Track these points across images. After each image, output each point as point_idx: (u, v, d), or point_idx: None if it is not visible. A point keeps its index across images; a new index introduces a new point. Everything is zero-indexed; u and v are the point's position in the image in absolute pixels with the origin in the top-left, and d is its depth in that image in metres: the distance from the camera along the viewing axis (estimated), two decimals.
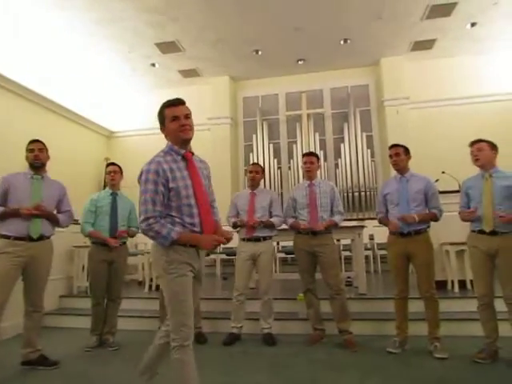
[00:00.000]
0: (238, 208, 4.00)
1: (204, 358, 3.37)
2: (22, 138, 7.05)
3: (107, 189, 4.00)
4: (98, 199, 3.89)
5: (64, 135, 8.29)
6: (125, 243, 3.98)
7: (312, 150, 8.53)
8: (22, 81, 7.06)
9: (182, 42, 7.57)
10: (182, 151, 2.09)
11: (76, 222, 4.17)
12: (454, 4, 6.60)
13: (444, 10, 6.79)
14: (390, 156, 3.49)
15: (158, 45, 7.61)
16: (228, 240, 2.06)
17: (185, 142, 2.09)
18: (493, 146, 3.14)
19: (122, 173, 4.05)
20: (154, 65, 8.40)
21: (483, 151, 3.11)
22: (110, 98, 9.62)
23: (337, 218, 3.71)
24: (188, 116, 2.08)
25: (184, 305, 1.97)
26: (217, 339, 3.81)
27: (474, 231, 3.17)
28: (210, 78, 9.11)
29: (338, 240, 6.11)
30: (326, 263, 3.60)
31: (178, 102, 2.09)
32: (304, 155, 3.91)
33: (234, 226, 3.95)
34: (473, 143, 3.19)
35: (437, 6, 6.66)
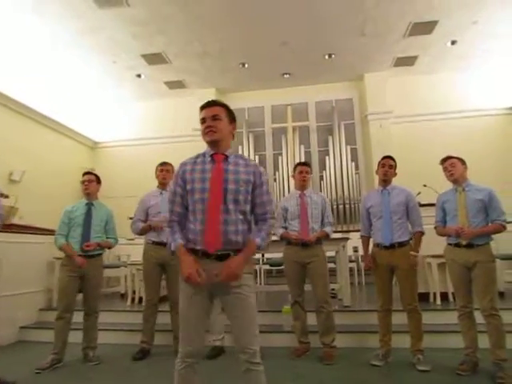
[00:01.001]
0: None
1: None
2: (2, 146, 6.96)
3: (83, 199, 3.84)
4: (72, 210, 3.73)
5: (46, 145, 8.19)
6: (100, 255, 3.80)
7: (296, 162, 8.59)
8: (2, 89, 6.97)
9: (169, 53, 7.59)
10: (211, 152, 2.03)
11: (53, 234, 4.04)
12: (435, 22, 6.81)
13: (425, 28, 6.99)
14: (383, 165, 3.49)
15: (144, 56, 7.62)
16: (225, 277, 1.86)
17: (210, 144, 2.02)
18: (463, 161, 3.28)
19: (98, 182, 3.89)
20: (139, 76, 8.40)
21: (456, 166, 3.23)
22: (95, 107, 9.54)
23: (328, 229, 3.71)
24: (216, 117, 1.99)
25: (185, 321, 1.90)
26: None
27: (450, 244, 3.23)
28: (196, 90, 9.14)
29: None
30: (315, 275, 3.59)
31: (207, 104, 2.04)
32: (298, 165, 3.87)
33: None
34: (444, 160, 3.30)
35: (418, 24, 6.86)
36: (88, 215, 3.73)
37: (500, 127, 8.38)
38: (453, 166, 3.22)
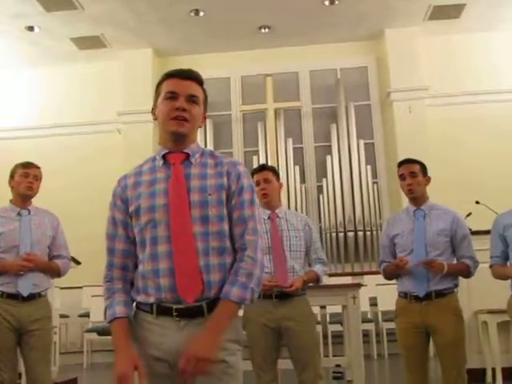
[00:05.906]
0: None
1: None
2: None
3: None
4: None
5: None
6: None
7: (282, 164, 8.66)
8: None
9: None
10: (165, 151, 1.97)
11: None
12: None
13: None
14: (402, 177, 3.56)
15: None
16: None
17: (173, 138, 1.96)
18: None
19: None
20: (31, 28, 8.33)
21: None
22: None
23: (318, 269, 3.64)
24: (193, 99, 1.95)
25: None
26: None
27: None
28: (123, 51, 9.16)
29: (323, 307, 6.15)
30: (298, 346, 3.53)
31: (184, 74, 2.00)
32: (253, 172, 3.62)
33: None
34: None
35: None
36: None
37: None
38: None
